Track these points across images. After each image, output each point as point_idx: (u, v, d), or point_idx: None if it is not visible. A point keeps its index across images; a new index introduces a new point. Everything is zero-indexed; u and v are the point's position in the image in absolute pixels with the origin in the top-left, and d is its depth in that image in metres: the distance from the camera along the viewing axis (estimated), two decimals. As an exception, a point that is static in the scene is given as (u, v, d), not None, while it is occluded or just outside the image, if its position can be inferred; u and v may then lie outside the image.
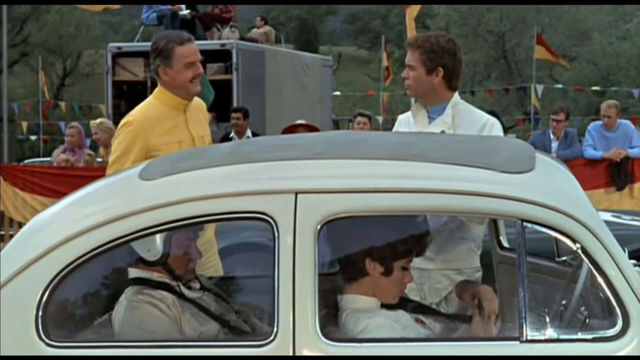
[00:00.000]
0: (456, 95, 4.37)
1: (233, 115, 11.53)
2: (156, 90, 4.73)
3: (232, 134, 11.23)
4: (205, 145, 4.62)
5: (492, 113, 9.83)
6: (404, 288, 3.40)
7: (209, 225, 4.00)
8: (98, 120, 11.19)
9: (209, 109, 10.21)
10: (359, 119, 10.45)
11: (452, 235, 4.12)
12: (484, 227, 4.25)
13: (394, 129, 4.62)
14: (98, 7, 13.16)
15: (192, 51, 4.63)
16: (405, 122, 4.51)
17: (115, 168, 4.42)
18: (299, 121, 9.51)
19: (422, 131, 4.34)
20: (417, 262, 4.10)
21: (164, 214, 2.98)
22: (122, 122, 4.65)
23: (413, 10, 12.72)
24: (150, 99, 4.74)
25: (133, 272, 3.37)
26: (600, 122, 10.77)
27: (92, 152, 11.57)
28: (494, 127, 4.28)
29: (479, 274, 4.22)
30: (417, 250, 3.42)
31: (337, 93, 23.95)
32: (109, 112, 15.26)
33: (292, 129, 8.83)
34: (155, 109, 4.64)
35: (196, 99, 4.85)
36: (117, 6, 14.03)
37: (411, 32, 12.20)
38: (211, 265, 4.48)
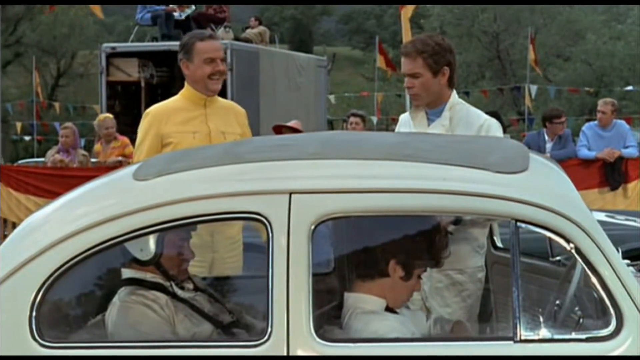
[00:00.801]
0: (454, 94, 4.36)
1: None
2: (184, 87, 4.91)
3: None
4: (224, 141, 4.67)
5: (493, 114, 9.86)
6: (412, 295, 3.40)
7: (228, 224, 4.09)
8: (104, 115, 11.33)
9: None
10: (352, 119, 10.46)
11: (454, 235, 4.11)
12: (486, 229, 4.23)
13: (397, 129, 4.61)
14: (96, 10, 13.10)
15: (212, 47, 4.78)
16: (406, 122, 4.51)
17: (136, 155, 4.76)
18: (290, 123, 9.50)
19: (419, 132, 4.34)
20: None
21: (158, 215, 2.97)
22: (145, 112, 4.89)
23: (408, 11, 12.71)
24: (177, 95, 4.94)
25: (126, 273, 3.37)
26: (595, 122, 10.78)
27: (86, 153, 11.58)
28: (491, 127, 4.26)
29: (482, 274, 4.20)
30: (435, 261, 3.43)
31: (332, 97, 23.96)
32: (103, 113, 15.25)
33: (278, 129, 8.84)
34: (176, 102, 4.87)
35: (233, 103, 5.10)
36: (100, 15, 13.98)
37: (406, 32, 12.20)
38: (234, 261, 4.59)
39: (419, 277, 3.32)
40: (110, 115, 11.69)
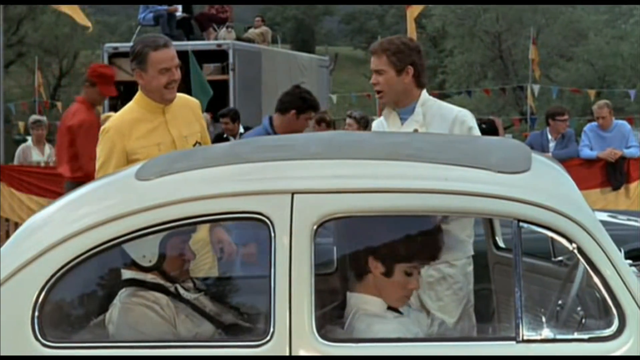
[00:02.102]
0: (424, 93, 4.41)
1: (221, 120, 11.46)
2: (137, 94, 4.77)
3: (225, 134, 11.20)
4: (188, 146, 4.64)
5: (488, 122, 9.83)
6: (409, 294, 3.38)
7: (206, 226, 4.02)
8: (107, 114, 11.31)
9: (206, 109, 10.19)
10: (348, 120, 10.53)
11: (444, 229, 4.11)
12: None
13: None
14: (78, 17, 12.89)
15: (166, 57, 4.62)
16: (379, 126, 4.56)
17: (101, 174, 4.49)
18: None
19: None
20: None
21: (160, 215, 2.97)
22: (102, 128, 4.73)
23: (414, 11, 12.73)
24: (130, 103, 4.79)
25: (128, 274, 3.37)
26: (596, 123, 10.78)
27: None
28: (465, 120, 4.29)
29: (471, 267, 4.19)
30: (424, 257, 3.41)
31: (334, 97, 23.96)
32: (105, 112, 15.26)
33: None
34: (133, 113, 4.70)
35: (185, 96, 4.90)
36: (89, 26, 13.86)
37: (411, 32, 12.22)
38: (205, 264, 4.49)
39: (408, 273, 3.28)
40: (109, 114, 11.59)
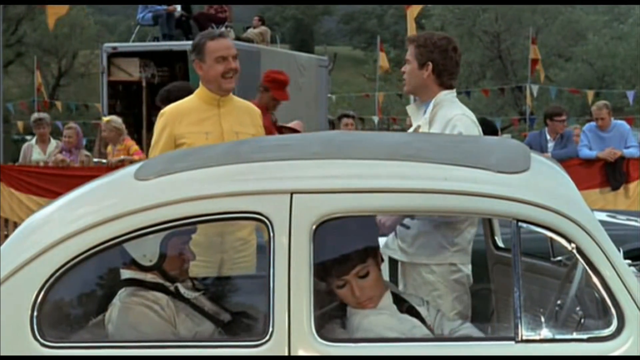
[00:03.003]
0: (445, 92, 4.38)
1: None
2: (197, 71, 4.93)
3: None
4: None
5: (483, 120, 9.83)
6: (381, 291, 3.39)
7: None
8: (107, 118, 11.26)
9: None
10: (344, 120, 10.54)
11: (423, 230, 4.12)
12: (464, 225, 4.17)
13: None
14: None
15: (222, 46, 4.81)
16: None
17: (151, 154, 4.76)
18: (292, 124, 9.52)
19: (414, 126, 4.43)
20: (397, 254, 4.14)
21: (159, 214, 2.97)
22: (159, 113, 4.93)
23: (414, 11, 12.75)
24: (192, 95, 4.96)
25: (127, 273, 3.37)
26: (594, 123, 10.78)
27: (88, 153, 11.56)
28: (456, 125, 4.23)
29: (459, 275, 4.12)
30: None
31: (333, 97, 23.97)
32: (104, 112, 15.26)
33: (279, 130, 8.85)
34: (190, 102, 4.89)
35: (248, 103, 5.09)
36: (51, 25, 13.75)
37: (411, 32, 12.23)
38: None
39: (359, 276, 3.30)
40: (107, 118, 11.46)
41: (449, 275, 4.12)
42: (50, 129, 12.27)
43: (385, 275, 4.04)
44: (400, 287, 4.13)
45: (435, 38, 4.43)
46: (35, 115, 12.33)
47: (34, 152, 11.64)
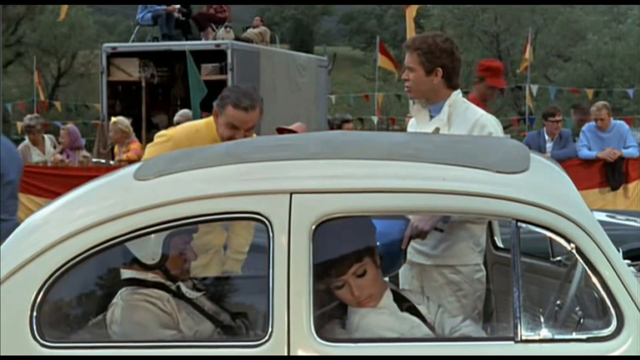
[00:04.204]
0: (455, 93, 4.37)
1: None
2: (213, 117, 4.84)
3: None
4: None
5: None
6: (382, 289, 3.39)
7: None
8: (114, 119, 11.22)
9: (204, 109, 10.17)
10: (345, 125, 10.58)
11: (450, 232, 4.11)
12: (484, 226, 4.22)
13: (407, 129, 4.67)
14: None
15: (239, 119, 4.66)
16: (413, 123, 4.59)
17: None
18: (293, 126, 9.52)
19: (422, 129, 4.37)
20: (415, 257, 4.13)
21: (159, 214, 2.97)
22: (163, 132, 4.83)
23: (412, 10, 12.79)
24: (202, 121, 4.86)
25: (127, 273, 3.37)
26: (594, 123, 10.78)
27: (87, 154, 11.53)
28: (486, 125, 4.25)
29: (480, 274, 4.17)
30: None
31: (332, 97, 23.96)
32: (103, 113, 15.27)
33: (281, 132, 8.85)
34: (199, 134, 4.77)
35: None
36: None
37: (411, 31, 12.27)
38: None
39: (356, 275, 3.31)
40: (114, 120, 11.35)
41: (474, 274, 4.15)
42: (42, 131, 12.12)
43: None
44: (414, 287, 4.13)
45: (439, 42, 4.33)
46: (25, 120, 12.01)
47: (33, 154, 11.59)
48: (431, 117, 4.39)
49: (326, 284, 3.29)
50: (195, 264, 3.66)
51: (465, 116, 4.30)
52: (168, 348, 2.97)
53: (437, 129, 4.29)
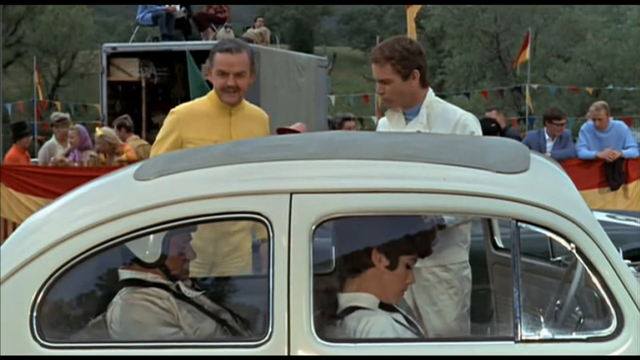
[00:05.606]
0: (430, 94, 4.37)
1: None
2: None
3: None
4: None
5: (489, 120, 9.77)
6: (405, 288, 3.40)
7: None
8: (99, 132, 11.16)
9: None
10: (347, 123, 10.58)
11: (442, 233, 4.11)
12: (470, 223, 4.24)
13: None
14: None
15: (226, 61, 4.68)
16: (384, 124, 4.54)
17: (155, 150, 4.77)
18: (294, 126, 9.53)
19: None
20: None
21: (159, 214, 2.97)
22: (170, 111, 4.89)
23: (413, 10, 12.81)
24: (205, 96, 4.92)
25: (127, 273, 3.38)
26: (593, 123, 10.77)
27: (95, 154, 11.46)
28: (467, 125, 4.25)
29: (468, 271, 4.21)
30: (422, 250, 3.43)
31: (332, 97, 23.97)
32: (103, 113, 15.27)
33: (282, 132, 8.86)
34: (202, 106, 4.85)
35: (258, 109, 5.01)
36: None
37: (411, 31, 12.27)
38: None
39: (408, 266, 3.31)
40: (101, 133, 11.09)
41: (462, 272, 4.19)
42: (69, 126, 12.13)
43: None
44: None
45: (408, 46, 4.29)
46: (56, 114, 12.10)
47: (58, 151, 11.50)
48: (406, 119, 4.38)
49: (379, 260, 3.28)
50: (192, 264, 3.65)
51: (446, 117, 4.29)
52: (168, 348, 2.97)
53: (418, 132, 4.29)
